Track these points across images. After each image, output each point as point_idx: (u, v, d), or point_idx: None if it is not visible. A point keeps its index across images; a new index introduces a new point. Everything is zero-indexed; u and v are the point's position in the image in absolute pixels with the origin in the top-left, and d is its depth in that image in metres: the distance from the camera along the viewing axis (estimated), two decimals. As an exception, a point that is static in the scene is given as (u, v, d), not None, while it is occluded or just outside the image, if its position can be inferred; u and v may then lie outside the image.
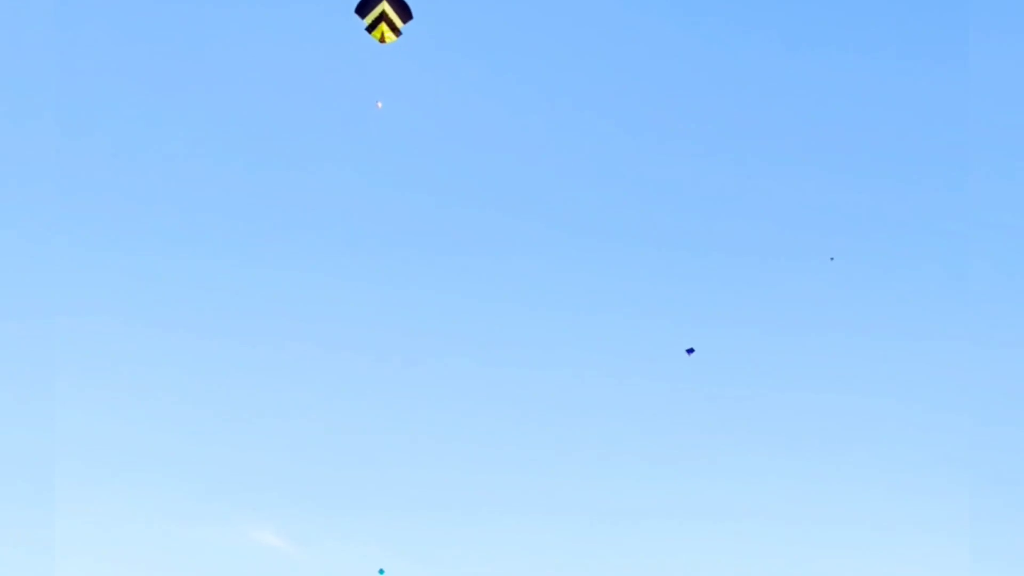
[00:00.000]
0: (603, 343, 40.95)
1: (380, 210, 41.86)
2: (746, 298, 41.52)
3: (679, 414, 39.66)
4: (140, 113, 41.52)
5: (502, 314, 41.04)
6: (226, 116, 42.02)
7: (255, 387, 38.85)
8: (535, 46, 43.91)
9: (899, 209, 43.17)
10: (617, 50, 43.94)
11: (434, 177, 42.38)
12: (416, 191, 42.21)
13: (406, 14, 29.07)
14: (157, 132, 41.42)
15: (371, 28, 29.25)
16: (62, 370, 37.09)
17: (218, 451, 37.50)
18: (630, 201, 43.11)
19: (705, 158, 43.70)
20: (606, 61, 44.01)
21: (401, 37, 29.69)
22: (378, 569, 32.79)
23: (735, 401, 39.78)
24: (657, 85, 44.19)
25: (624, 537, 37.11)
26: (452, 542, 36.70)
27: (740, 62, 44.30)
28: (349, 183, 42.07)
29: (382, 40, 29.40)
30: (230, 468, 37.22)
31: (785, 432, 39.36)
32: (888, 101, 44.19)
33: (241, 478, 37.07)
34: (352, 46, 41.45)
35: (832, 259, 40.09)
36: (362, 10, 28.94)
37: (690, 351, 35.16)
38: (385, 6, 28.98)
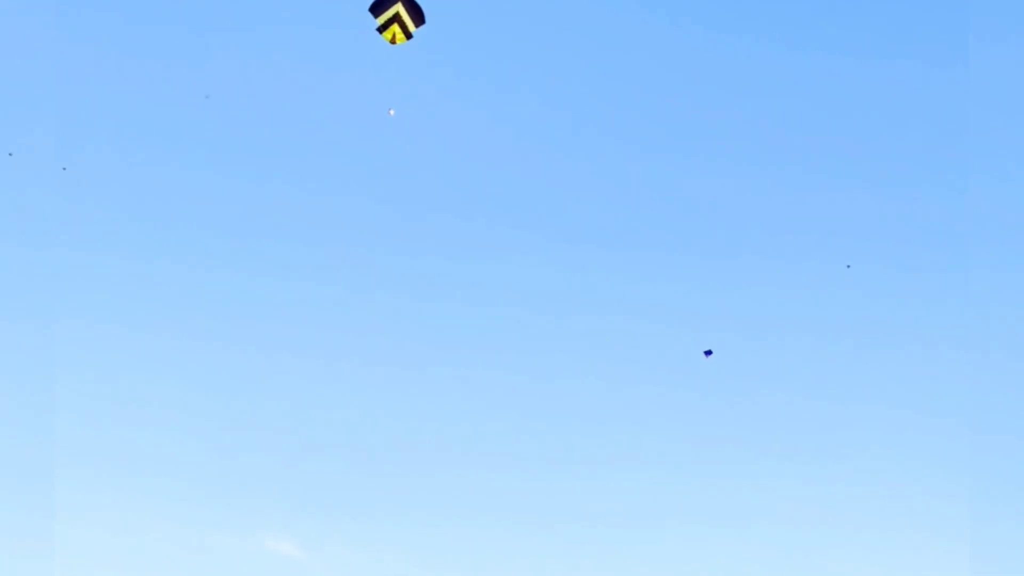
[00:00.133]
0: (612, 349, 40.85)
1: (391, 217, 41.91)
2: (745, 303, 41.25)
3: (682, 418, 39.48)
4: (142, 115, 41.66)
5: (512, 320, 40.97)
6: (231, 119, 42.14)
7: (272, 395, 38.95)
8: (543, 49, 44.03)
9: (897, 213, 42.79)
10: (623, 56, 43.78)
11: (442, 182, 42.47)
12: (425, 198, 42.30)
13: (419, 18, 28.93)
14: (159, 135, 41.56)
15: (382, 28, 29.08)
16: (72, 376, 37.38)
17: (233, 460, 37.54)
18: (629, 206, 42.97)
19: (702, 161, 43.53)
20: (612, 66, 43.96)
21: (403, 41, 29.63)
22: None
23: (737, 406, 39.46)
24: (660, 92, 44.14)
25: (640, 544, 36.99)
26: (469, 550, 36.69)
27: (740, 66, 44.05)
28: (356, 188, 42.19)
29: (393, 41, 29.23)
30: (246, 477, 37.22)
31: (785, 436, 39.03)
32: (886, 104, 43.95)
33: (257, 487, 37.09)
34: (354, 49, 41.55)
35: (848, 267, 39.93)
36: (376, 9, 28.78)
37: (708, 353, 35.02)
38: (399, 7, 28.82)
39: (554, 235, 42.39)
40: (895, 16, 44.28)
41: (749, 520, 37.23)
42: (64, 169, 38.24)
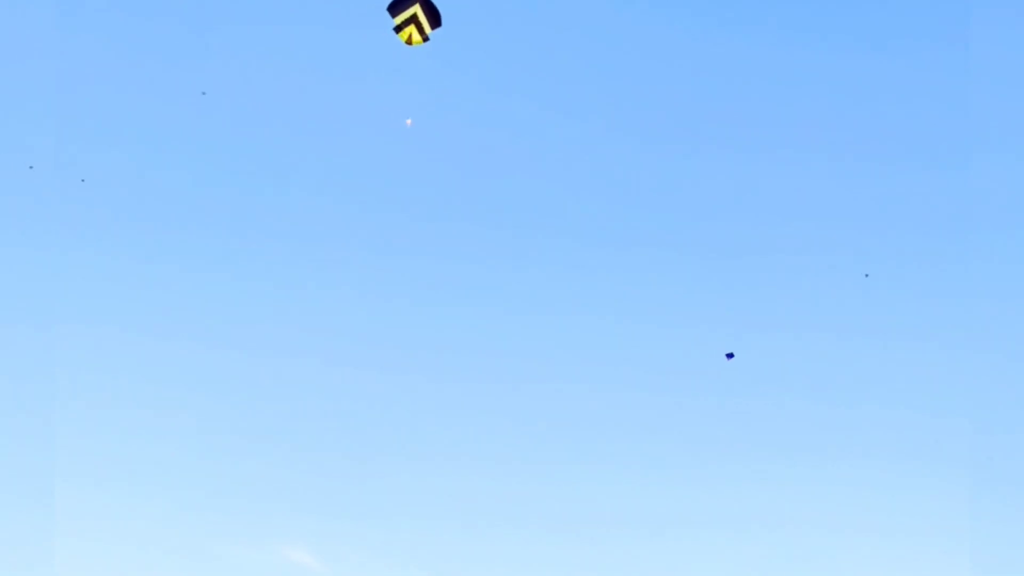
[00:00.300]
0: (613, 351, 40.56)
1: (399, 222, 41.64)
2: (743, 303, 40.99)
3: (682, 420, 39.14)
4: (144, 117, 41.49)
5: (524, 327, 40.83)
6: (235, 122, 41.89)
7: (287, 401, 38.86)
8: (555, 52, 43.67)
9: (895, 205, 42.40)
10: (631, 55, 43.66)
11: (444, 184, 42.18)
12: (431, 200, 42.05)
13: (436, 20, 29.02)
14: (162, 136, 41.42)
15: (399, 29, 29.16)
16: (79, 380, 37.24)
17: (247, 467, 37.49)
18: (629, 206, 42.68)
19: (698, 155, 43.18)
20: (621, 66, 43.70)
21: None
22: None
23: (737, 407, 39.08)
24: (657, 85, 43.71)
25: (653, 547, 36.89)
26: (486, 558, 36.53)
27: (740, 55, 43.84)
28: (358, 190, 41.98)
29: (409, 42, 29.34)
30: (260, 484, 37.17)
31: (785, 437, 38.66)
32: (884, 90, 43.87)
33: (272, 495, 37.04)
34: (362, 51, 41.45)
35: (867, 275, 39.68)
36: (394, 8, 28.85)
37: (730, 356, 34.89)
38: (417, 9, 28.91)
39: (556, 237, 42.22)
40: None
41: (749, 522, 37.09)
42: (31, 168, 38.28)
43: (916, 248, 41.33)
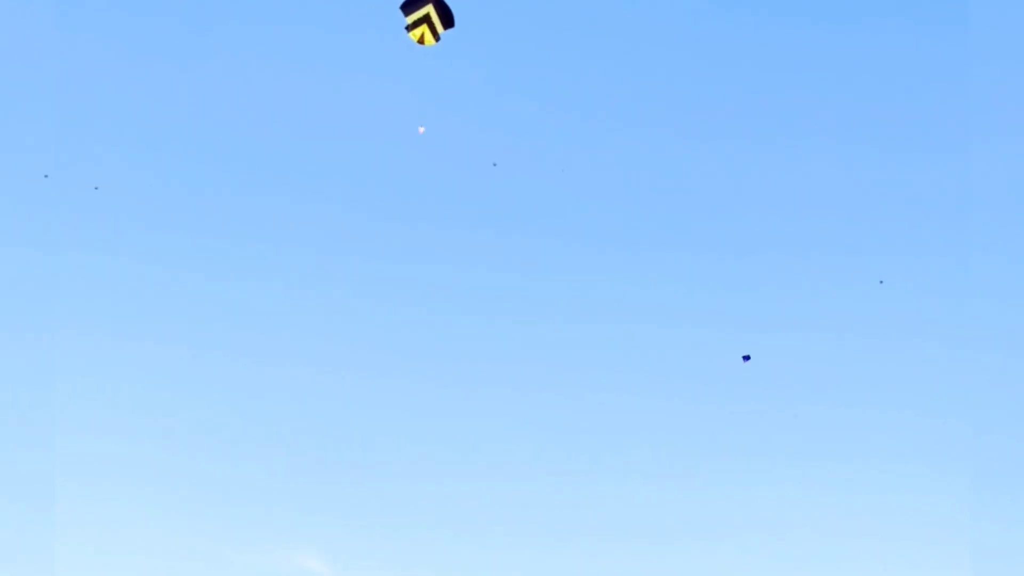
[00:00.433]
0: (615, 352, 40.31)
1: (407, 226, 41.47)
2: (742, 302, 40.93)
3: (682, 422, 38.86)
4: (146, 119, 41.32)
5: (542, 333, 40.56)
6: (236, 122, 41.75)
7: (299, 408, 38.77)
8: (565, 52, 43.32)
9: (894, 199, 42.35)
10: (638, 54, 43.46)
11: (446, 185, 41.84)
12: (435, 204, 41.80)
13: (448, 21, 29.03)
14: (162, 140, 41.30)
15: (411, 28, 29.17)
16: (83, 386, 37.11)
17: (257, 474, 37.46)
18: (627, 206, 42.46)
19: (698, 153, 42.98)
20: (630, 66, 43.44)
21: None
22: None
23: (736, 409, 38.74)
24: (656, 76, 43.34)
25: (666, 554, 36.72)
26: (499, 566, 36.39)
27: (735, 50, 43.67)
28: (361, 191, 41.74)
29: (420, 41, 29.36)
30: (271, 492, 37.17)
31: (785, 439, 38.27)
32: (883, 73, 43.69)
33: (283, 502, 36.99)
34: (367, 52, 41.08)
35: (881, 282, 39.57)
36: (407, 8, 28.86)
37: (746, 358, 34.84)
38: (430, 9, 28.91)
39: (556, 238, 41.84)
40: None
41: (750, 524, 36.90)
42: (46, 176, 38.25)
43: (916, 248, 41.11)
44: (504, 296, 40.97)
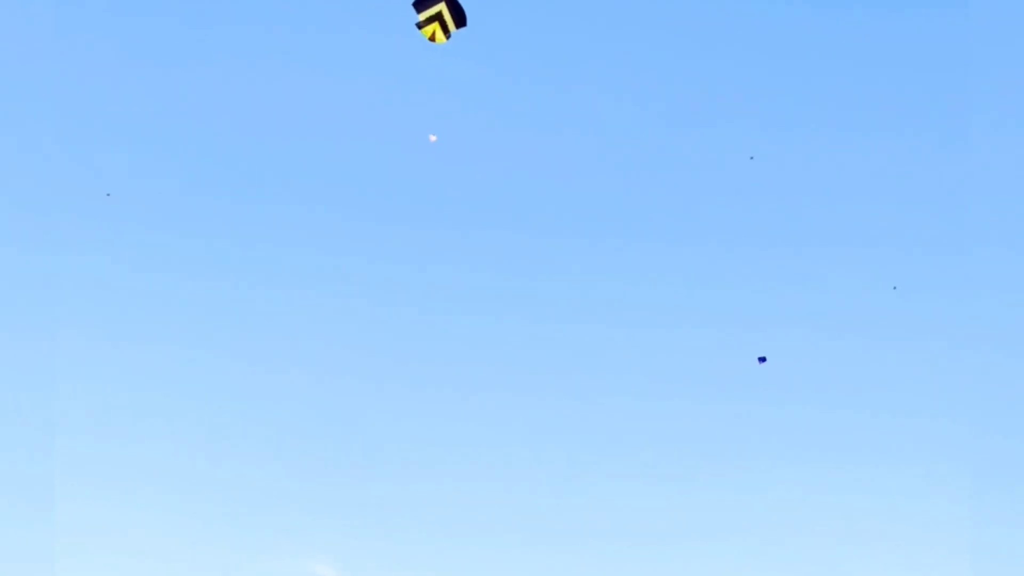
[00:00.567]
0: (616, 354, 40.27)
1: (415, 228, 41.41)
2: (740, 302, 40.70)
3: (682, 425, 38.85)
4: (147, 120, 41.34)
5: (543, 337, 40.58)
6: (237, 123, 41.76)
7: (311, 413, 38.71)
8: (576, 51, 43.15)
9: (893, 200, 41.95)
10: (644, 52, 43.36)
11: (450, 187, 41.74)
12: (440, 206, 41.74)
13: (461, 19, 29.02)
14: (163, 141, 41.30)
15: (422, 25, 29.15)
16: (87, 391, 37.16)
17: (273, 481, 37.39)
18: (626, 208, 42.29)
19: (697, 150, 42.82)
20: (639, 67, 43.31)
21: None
22: None
23: (734, 412, 38.67)
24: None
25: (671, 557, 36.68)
26: (510, 570, 36.37)
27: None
28: (363, 193, 41.73)
29: (432, 39, 29.32)
30: (286, 499, 37.10)
31: (785, 441, 38.20)
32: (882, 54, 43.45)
33: (298, 509, 36.94)
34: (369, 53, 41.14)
35: (895, 288, 39.50)
36: (419, 5, 28.88)
37: (762, 360, 34.77)
38: (443, 7, 28.91)
39: (556, 238, 41.82)
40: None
41: (750, 526, 36.75)
42: (108, 195, 38.76)
43: (916, 248, 41.13)
44: (512, 299, 41.03)
